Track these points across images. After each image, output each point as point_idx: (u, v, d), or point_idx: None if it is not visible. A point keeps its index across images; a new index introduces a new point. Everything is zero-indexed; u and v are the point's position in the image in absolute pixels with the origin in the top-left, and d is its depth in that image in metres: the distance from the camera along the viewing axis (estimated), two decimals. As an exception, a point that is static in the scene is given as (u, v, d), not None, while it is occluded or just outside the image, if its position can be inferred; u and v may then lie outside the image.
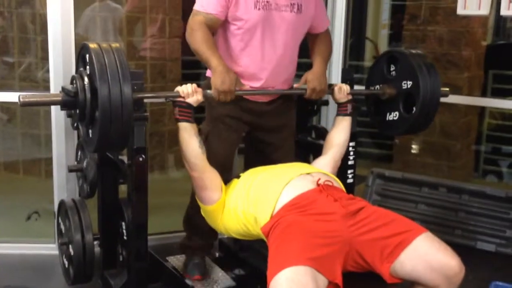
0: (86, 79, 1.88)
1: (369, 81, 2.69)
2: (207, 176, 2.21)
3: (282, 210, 2.00)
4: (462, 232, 3.19)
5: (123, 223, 2.24)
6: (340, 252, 1.86)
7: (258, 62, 2.40)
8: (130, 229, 2.18)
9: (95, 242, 2.35)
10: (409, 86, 2.47)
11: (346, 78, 2.70)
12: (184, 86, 2.17)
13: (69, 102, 1.92)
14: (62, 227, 2.46)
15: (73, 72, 2.75)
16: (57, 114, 2.79)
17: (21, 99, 1.87)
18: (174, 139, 4.30)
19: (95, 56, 1.86)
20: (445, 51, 4.31)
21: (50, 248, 2.90)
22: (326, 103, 3.13)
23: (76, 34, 2.80)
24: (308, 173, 2.14)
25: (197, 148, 2.16)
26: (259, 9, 2.31)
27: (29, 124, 4.15)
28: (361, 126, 2.74)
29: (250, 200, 2.12)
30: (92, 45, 1.90)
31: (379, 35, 5.44)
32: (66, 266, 2.43)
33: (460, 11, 3.10)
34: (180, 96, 2.15)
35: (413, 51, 2.55)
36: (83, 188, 2.55)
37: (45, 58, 3.15)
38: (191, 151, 2.16)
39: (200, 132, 2.29)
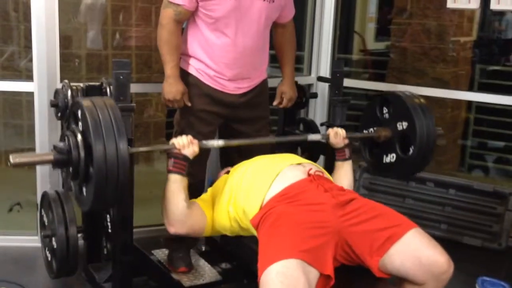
0: (79, 136, 1.80)
1: (363, 125, 2.60)
2: (188, 227, 2.13)
3: (272, 200, 1.98)
4: (448, 227, 3.20)
5: (108, 216, 2.21)
6: (330, 242, 1.85)
7: (231, 51, 2.40)
8: (115, 222, 2.15)
9: (79, 235, 2.31)
10: (404, 127, 2.40)
11: (337, 70, 2.68)
12: (179, 138, 2.10)
13: (62, 160, 1.83)
14: (45, 219, 2.41)
15: (57, 62, 2.74)
16: (40, 104, 2.74)
17: (12, 160, 1.78)
18: (160, 130, 4.27)
19: (89, 113, 1.78)
20: (433, 45, 4.30)
21: (32, 241, 2.86)
22: (314, 95, 3.12)
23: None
24: (299, 163, 2.12)
25: (182, 202, 2.07)
26: None
27: (11, 115, 4.08)
28: (349, 120, 2.71)
29: (241, 192, 2.09)
30: (85, 102, 1.82)
31: (366, 28, 5.43)
32: (49, 259, 2.38)
33: (450, 4, 3.09)
34: (175, 148, 2.08)
35: (406, 93, 2.48)
36: (67, 180, 2.50)
37: (28, 46, 3.09)
38: (175, 205, 2.06)
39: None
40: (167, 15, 2.35)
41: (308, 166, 2.11)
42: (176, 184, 2.06)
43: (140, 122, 4.16)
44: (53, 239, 2.28)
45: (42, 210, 2.45)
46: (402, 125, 2.40)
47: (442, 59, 4.32)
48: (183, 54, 2.47)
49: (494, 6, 2.93)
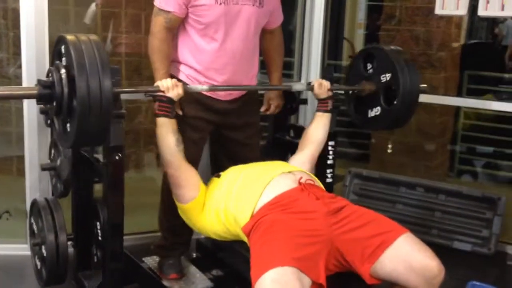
0: (63, 71, 1.80)
1: (348, 82, 2.69)
2: (183, 174, 2.19)
3: (263, 209, 1.98)
4: (438, 232, 3.21)
5: (98, 223, 2.19)
6: (323, 251, 1.85)
7: (221, 56, 2.41)
8: (105, 229, 2.14)
9: (69, 243, 2.31)
10: (388, 79, 2.48)
11: (327, 76, 2.69)
12: (164, 80, 2.16)
13: (46, 94, 1.83)
14: (35, 227, 2.40)
15: (47, 69, 2.72)
16: (29, 111, 2.72)
17: None
18: (150, 138, 4.25)
19: (73, 47, 1.78)
20: (421, 51, 4.33)
21: (22, 249, 2.83)
22: (304, 101, 3.12)
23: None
24: (289, 172, 2.13)
25: (173, 145, 2.15)
26: (220, 4, 2.32)
27: (0, 122, 4.05)
28: (338, 126, 2.73)
29: (231, 199, 2.09)
30: (70, 37, 1.83)
31: (355, 34, 5.46)
32: (39, 267, 2.37)
33: (438, 11, 3.11)
34: (160, 91, 2.12)
35: (391, 46, 2.57)
36: (56, 187, 2.49)
37: (16, 53, 3.07)
38: (166, 148, 2.15)
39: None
40: (158, 23, 2.36)
41: (298, 175, 2.12)
42: (164, 128, 2.15)
43: (130, 129, 4.14)
44: (43, 247, 2.27)
45: (32, 218, 2.44)
46: (385, 77, 2.47)
47: (430, 65, 4.35)
48: (173, 61, 2.47)
49: (481, 12, 2.95)
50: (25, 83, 2.70)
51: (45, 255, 2.25)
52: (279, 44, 2.69)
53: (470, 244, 3.13)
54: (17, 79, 3.06)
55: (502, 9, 2.89)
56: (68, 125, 1.87)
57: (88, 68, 1.76)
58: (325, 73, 2.77)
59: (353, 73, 2.66)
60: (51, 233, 2.22)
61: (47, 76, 1.89)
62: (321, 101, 2.50)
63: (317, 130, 2.47)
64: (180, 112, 2.43)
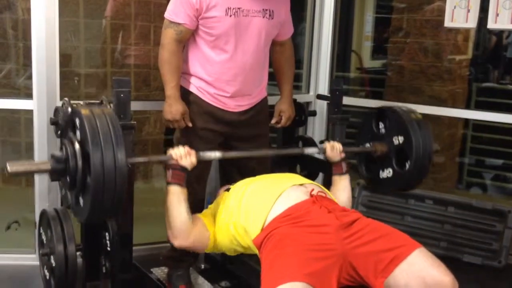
0: (77, 145, 1.78)
1: (359, 140, 2.61)
2: (194, 241, 2.13)
3: (275, 221, 1.96)
4: (448, 245, 3.18)
5: (107, 234, 2.19)
6: (335, 265, 1.83)
7: (232, 68, 2.41)
8: (114, 240, 2.13)
9: (78, 253, 2.29)
10: (400, 142, 2.40)
11: (336, 88, 2.69)
12: (176, 149, 2.10)
13: (59, 169, 1.82)
14: (44, 237, 2.40)
15: (57, 80, 2.74)
16: (39, 122, 2.73)
17: (9, 169, 1.78)
18: (157, 148, 4.27)
19: (87, 121, 1.77)
20: (430, 63, 4.33)
21: (30, 259, 2.84)
22: (313, 113, 3.12)
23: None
24: (301, 184, 2.12)
25: (184, 213, 2.07)
26: (230, 16, 2.32)
27: (9, 132, 4.07)
28: (347, 137, 2.71)
29: (241, 212, 2.08)
30: (84, 111, 1.81)
31: (362, 46, 5.46)
32: (47, 277, 2.36)
33: (447, 23, 3.11)
34: (173, 159, 2.08)
35: (403, 107, 2.49)
36: (66, 198, 2.49)
37: (26, 64, 3.10)
38: (177, 216, 2.07)
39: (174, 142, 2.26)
40: (168, 35, 2.36)
41: (310, 187, 2.10)
42: (176, 196, 2.06)
43: (138, 140, 4.16)
44: (52, 257, 2.26)
45: (41, 228, 2.44)
46: (398, 140, 2.41)
47: (439, 77, 4.34)
48: (184, 73, 2.48)
49: (491, 25, 2.95)
50: (35, 95, 2.72)
51: (54, 265, 2.24)
52: (289, 56, 2.69)
53: (480, 257, 3.10)
54: (27, 90, 3.08)
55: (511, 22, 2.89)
56: (81, 199, 1.84)
57: (103, 143, 1.74)
58: (334, 85, 2.76)
59: (365, 130, 2.58)
60: (60, 243, 2.21)
61: (60, 148, 1.88)
62: (335, 164, 2.41)
63: (339, 193, 2.37)
64: (190, 124, 2.44)
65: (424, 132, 2.37)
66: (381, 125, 2.50)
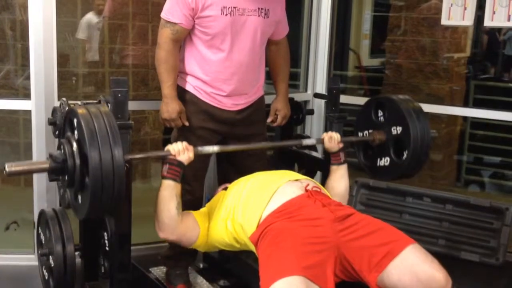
0: (74, 145, 1.81)
1: (357, 126, 2.64)
2: (179, 235, 2.15)
3: (270, 217, 1.98)
4: (446, 242, 3.18)
5: (105, 234, 2.20)
6: (330, 257, 1.86)
7: (228, 66, 2.42)
8: (112, 239, 2.14)
9: (77, 253, 2.30)
10: (398, 132, 2.43)
11: (333, 86, 2.69)
12: (174, 144, 2.12)
13: (57, 168, 1.84)
14: (42, 237, 2.41)
15: (55, 80, 2.75)
16: (38, 122, 2.74)
17: (7, 169, 1.78)
18: (156, 148, 4.27)
19: (84, 121, 1.79)
20: (427, 61, 4.34)
21: (29, 259, 2.84)
22: (311, 112, 3.13)
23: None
24: (296, 180, 2.13)
25: (173, 209, 2.08)
26: (226, 14, 2.33)
27: (7, 133, 4.07)
28: (345, 135, 2.72)
29: (238, 208, 2.10)
30: (80, 110, 1.84)
31: (361, 45, 5.47)
32: (46, 277, 2.37)
33: (444, 21, 3.12)
34: (171, 155, 2.10)
35: (401, 96, 2.51)
36: (64, 198, 2.50)
37: (25, 65, 3.10)
38: (166, 211, 2.08)
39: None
40: (164, 35, 2.37)
41: (305, 182, 2.12)
42: (169, 191, 2.07)
43: (137, 140, 4.16)
44: (51, 257, 2.27)
45: (39, 228, 2.45)
46: (396, 130, 2.43)
47: (436, 75, 4.35)
48: (180, 72, 2.48)
49: (487, 23, 2.95)
50: (33, 95, 2.72)
51: (52, 265, 2.25)
52: (285, 55, 2.70)
53: (478, 255, 3.10)
54: (25, 90, 3.08)
55: (508, 19, 2.89)
56: (79, 197, 1.87)
57: (100, 142, 1.76)
58: (331, 84, 2.77)
59: (363, 118, 2.61)
60: (59, 244, 2.22)
61: (58, 148, 1.90)
62: (333, 154, 2.44)
63: (336, 183, 2.41)
64: (186, 123, 2.44)
65: (422, 123, 2.40)
66: (380, 113, 2.52)
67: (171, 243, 2.58)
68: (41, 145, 2.76)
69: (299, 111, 2.97)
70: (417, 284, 1.82)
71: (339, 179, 2.40)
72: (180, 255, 2.60)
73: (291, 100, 2.79)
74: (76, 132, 1.84)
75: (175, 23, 2.35)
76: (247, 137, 2.58)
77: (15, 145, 4.08)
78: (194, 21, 2.36)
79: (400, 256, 1.86)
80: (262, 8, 2.42)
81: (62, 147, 1.86)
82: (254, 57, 2.47)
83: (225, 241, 2.17)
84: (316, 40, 3.47)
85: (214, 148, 2.27)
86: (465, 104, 4.60)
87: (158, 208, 2.09)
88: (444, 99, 4.34)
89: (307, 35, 3.52)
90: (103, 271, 2.28)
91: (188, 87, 2.47)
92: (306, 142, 2.50)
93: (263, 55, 2.56)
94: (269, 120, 2.74)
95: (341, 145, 2.43)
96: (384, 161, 2.49)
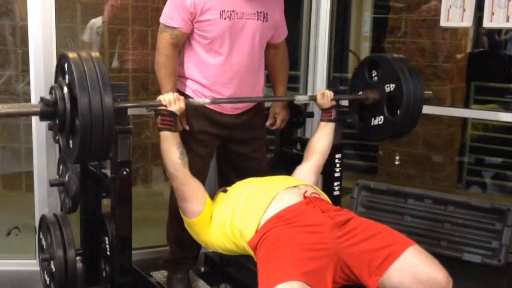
0: (65, 89, 1.85)
1: (352, 88, 2.70)
2: (189, 188, 2.20)
3: (268, 223, 1.98)
4: (448, 244, 3.18)
5: (106, 238, 2.20)
6: (329, 264, 1.85)
7: (227, 70, 2.43)
8: (113, 244, 2.14)
9: (78, 258, 2.30)
10: (392, 89, 2.48)
11: (333, 89, 2.69)
12: (166, 94, 2.18)
13: (48, 112, 1.88)
14: (44, 242, 2.41)
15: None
16: (38, 127, 2.74)
17: None
18: (157, 152, 4.26)
19: (74, 65, 1.83)
20: (427, 63, 4.34)
21: (30, 264, 2.83)
22: (311, 115, 3.13)
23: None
24: (295, 186, 2.13)
25: (176, 159, 2.15)
26: (225, 18, 2.33)
27: (8, 138, 4.08)
28: (345, 138, 2.73)
29: (237, 214, 2.10)
30: (71, 55, 1.87)
31: (360, 47, 5.47)
32: (48, 282, 2.37)
33: (443, 23, 3.12)
34: (162, 105, 2.13)
35: (394, 55, 2.57)
36: (65, 203, 2.50)
37: (25, 70, 3.10)
38: (170, 162, 2.16)
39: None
40: (164, 39, 2.38)
41: (303, 188, 2.12)
42: (168, 142, 2.15)
43: (137, 144, 4.16)
44: (52, 262, 2.27)
45: (41, 234, 2.45)
46: (389, 87, 2.47)
47: (437, 77, 4.35)
48: (179, 76, 2.49)
49: (486, 24, 2.95)
50: (33, 100, 2.72)
51: (54, 270, 2.25)
52: (284, 58, 2.70)
53: (480, 256, 3.11)
54: (26, 96, 3.09)
55: (507, 20, 2.89)
56: (70, 141, 1.90)
57: (90, 86, 1.81)
58: (330, 86, 2.77)
59: (357, 79, 2.66)
60: (60, 249, 2.22)
61: (50, 93, 1.92)
62: (325, 110, 2.50)
63: (321, 139, 2.47)
64: (187, 127, 2.44)
65: (415, 80, 2.46)
66: (374, 73, 2.58)
67: (172, 243, 2.58)
68: (42, 150, 2.76)
69: (299, 114, 2.96)
70: (418, 285, 1.82)
71: (325, 136, 2.47)
72: (181, 259, 2.60)
73: (290, 103, 2.79)
74: (67, 76, 1.89)
75: (174, 28, 2.35)
76: (247, 140, 2.58)
77: (16, 150, 4.08)
78: (193, 25, 2.36)
79: (400, 258, 1.86)
80: (260, 12, 2.42)
81: (53, 91, 1.89)
82: (253, 61, 2.48)
83: (225, 246, 2.17)
84: (315, 43, 3.46)
85: (205, 100, 2.35)
86: (466, 105, 4.60)
87: (164, 160, 2.18)
88: (445, 100, 4.34)
89: (307, 38, 3.52)
90: (104, 275, 2.28)
91: (188, 91, 2.48)
92: (299, 98, 2.60)
93: (262, 58, 2.57)
94: (268, 123, 2.74)
95: (333, 102, 2.50)
96: (378, 120, 2.56)
